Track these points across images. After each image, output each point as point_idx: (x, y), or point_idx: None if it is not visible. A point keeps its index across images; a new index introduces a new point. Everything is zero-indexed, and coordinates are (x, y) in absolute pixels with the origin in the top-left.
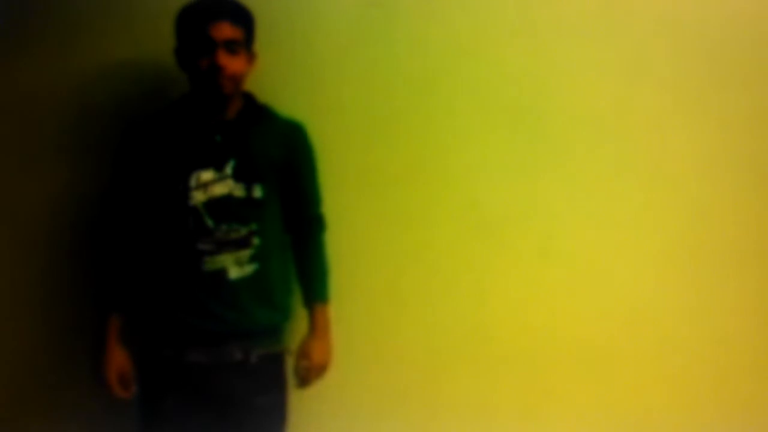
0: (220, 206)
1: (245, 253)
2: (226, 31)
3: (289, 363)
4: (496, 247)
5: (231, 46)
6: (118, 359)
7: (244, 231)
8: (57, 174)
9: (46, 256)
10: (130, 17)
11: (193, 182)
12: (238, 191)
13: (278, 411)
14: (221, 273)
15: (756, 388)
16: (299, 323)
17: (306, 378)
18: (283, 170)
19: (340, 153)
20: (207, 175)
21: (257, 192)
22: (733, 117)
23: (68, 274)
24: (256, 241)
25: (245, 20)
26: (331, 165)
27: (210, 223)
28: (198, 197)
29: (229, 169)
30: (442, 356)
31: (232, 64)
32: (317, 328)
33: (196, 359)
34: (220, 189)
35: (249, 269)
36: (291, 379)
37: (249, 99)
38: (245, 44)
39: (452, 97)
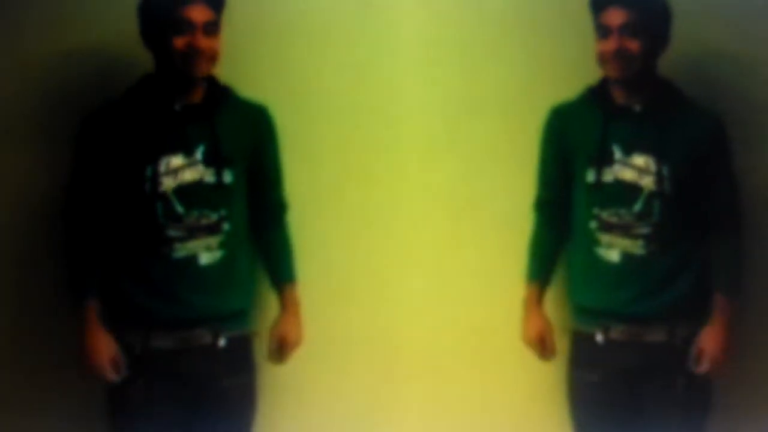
0: (191, 192)
1: (215, 239)
2: (203, 12)
3: (257, 345)
4: (462, 232)
5: (208, 28)
6: (106, 343)
7: (214, 217)
8: (18, 164)
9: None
10: (87, 3)
11: (162, 168)
12: (209, 176)
13: (248, 393)
14: (192, 259)
15: None
16: (266, 306)
17: (281, 355)
18: (252, 153)
19: (309, 137)
20: (177, 160)
21: (227, 177)
22: None
23: (30, 263)
24: (226, 226)
25: (220, 1)
26: (300, 148)
27: (180, 209)
28: (167, 183)
29: (199, 154)
30: (412, 341)
31: (210, 45)
32: (288, 306)
33: (163, 345)
34: (190, 175)
35: (219, 255)
36: (260, 361)
37: (212, 81)
38: (219, 24)
39: (423, 85)
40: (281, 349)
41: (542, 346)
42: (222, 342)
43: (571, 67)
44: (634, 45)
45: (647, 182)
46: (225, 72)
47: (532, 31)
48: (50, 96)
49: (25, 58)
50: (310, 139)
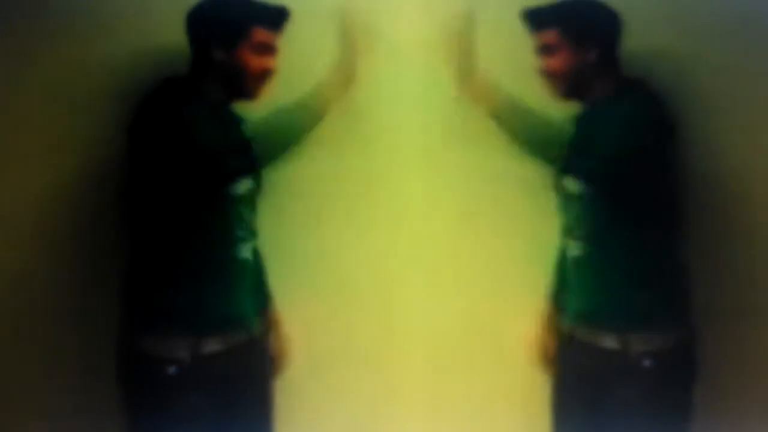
0: (248, 195)
1: (257, 241)
2: (272, 37)
3: None
4: (464, 238)
5: (275, 52)
6: None
7: (257, 219)
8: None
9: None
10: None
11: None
12: (260, 181)
13: (271, 389)
14: (250, 259)
15: None
16: None
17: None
18: None
19: (310, 143)
20: None
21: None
22: None
23: (79, 260)
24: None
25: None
26: (301, 154)
27: (246, 212)
28: (236, 186)
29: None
30: (413, 345)
31: (275, 68)
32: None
33: (212, 349)
34: (250, 181)
35: (259, 255)
36: None
37: None
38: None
39: (424, 91)
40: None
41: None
42: (257, 337)
43: None
44: (555, 63)
45: (571, 185)
46: None
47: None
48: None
49: (92, 57)
50: (311, 145)
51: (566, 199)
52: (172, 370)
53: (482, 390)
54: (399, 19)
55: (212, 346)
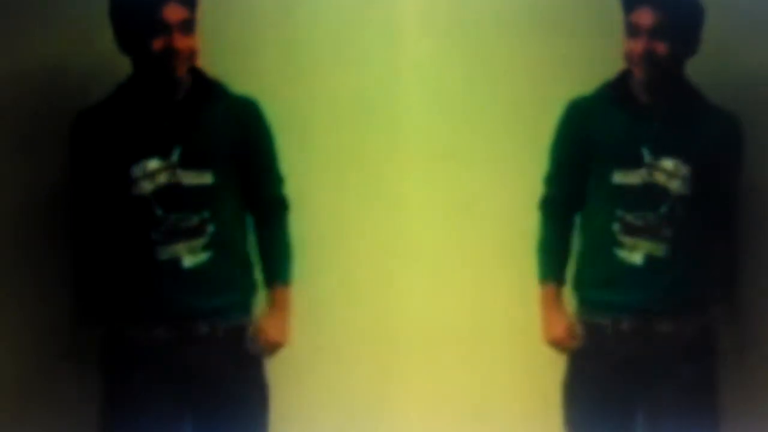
0: (169, 195)
1: (199, 242)
2: (178, 12)
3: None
4: (462, 230)
5: (184, 26)
6: None
7: (195, 219)
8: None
9: None
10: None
11: (139, 171)
12: (188, 179)
13: (255, 384)
14: (175, 261)
15: None
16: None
17: (262, 352)
18: (239, 151)
19: (310, 135)
20: (153, 163)
21: (207, 178)
22: None
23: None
24: (210, 228)
25: None
26: (301, 147)
27: (159, 212)
28: (145, 187)
29: (175, 157)
30: (412, 337)
31: (188, 44)
32: (274, 307)
33: (160, 336)
34: (166, 178)
35: (204, 257)
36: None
37: (198, 75)
38: (194, 21)
39: (425, 84)
40: (263, 347)
41: (570, 343)
42: (221, 333)
43: (572, 68)
44: (662, 48)
45: (674, 185)
46: (226, 67)
47: (532, 31)
48: (43, 100)
49: (17, 61)
50: (311, 138)
51: (645, 197)
52: (122, 347)
53: (483, 378)
54: (403, 13)
55: (162, 333)
